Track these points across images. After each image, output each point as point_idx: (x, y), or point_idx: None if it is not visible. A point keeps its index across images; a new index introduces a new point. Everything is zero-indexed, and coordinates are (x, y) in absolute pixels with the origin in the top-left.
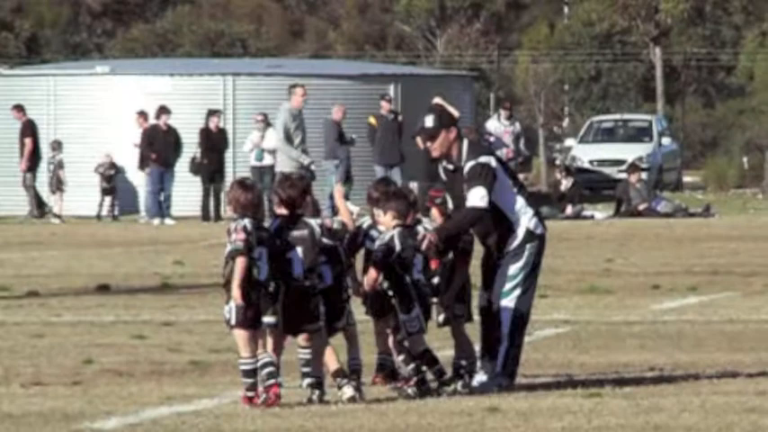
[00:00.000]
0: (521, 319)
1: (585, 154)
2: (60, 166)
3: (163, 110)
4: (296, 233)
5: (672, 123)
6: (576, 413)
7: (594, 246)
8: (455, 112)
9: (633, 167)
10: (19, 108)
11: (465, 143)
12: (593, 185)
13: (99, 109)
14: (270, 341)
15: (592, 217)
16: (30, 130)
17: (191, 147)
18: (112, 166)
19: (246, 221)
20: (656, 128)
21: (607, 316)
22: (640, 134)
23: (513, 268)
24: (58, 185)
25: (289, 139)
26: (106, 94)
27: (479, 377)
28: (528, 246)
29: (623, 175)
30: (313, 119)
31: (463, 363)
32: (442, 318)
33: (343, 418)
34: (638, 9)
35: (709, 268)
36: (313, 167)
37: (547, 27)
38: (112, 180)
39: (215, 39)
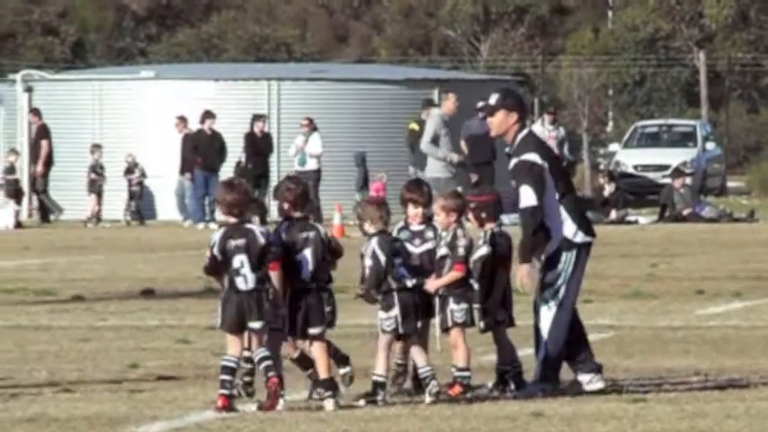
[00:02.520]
0: (561, 327)
1: (630, 159)
2: (93, 169)
3: (207, 114)
4: (303, 235)
5: (716, 128)
6: (620, 418)
7: (639, 251)
8: None
9: (677, 172)
10: (35, 112)
11: (521, 136)
12: (637, 190)
13: (144, 113)
14: (255, 343)
15: (636, 222)
16: (46, 134)
17: (235, 151)
18: (134, 167)
19: (217, 237)
20: (700, 133)
21: (651, 321)
22: (684, 139)
23: (550, 275)
24: (93, 187)
25: (435, 143)
26: (151, 98)
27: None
28: (564, 253)
29: (667, 180)
30: (357, 124)
31: (507, 368)
32: (483, 323)
33: (387, 423)
34: (683, 14)
35: (753, 273)
36: (460, 160)
37: (591, 32)
38: (140, 184)
39: (260, 43)
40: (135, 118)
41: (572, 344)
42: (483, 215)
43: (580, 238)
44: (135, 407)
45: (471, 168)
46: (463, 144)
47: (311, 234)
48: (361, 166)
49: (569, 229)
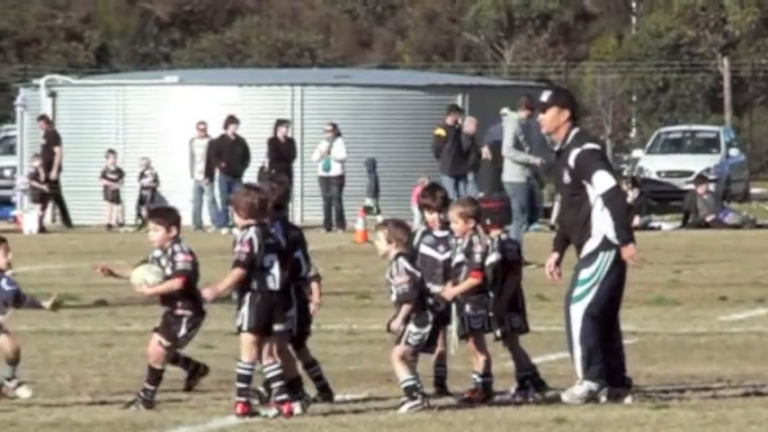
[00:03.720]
0: (592, 322)
1: (653, 165)
2: (104, 175)
3: (231, 120)
4: (293, 234)
5: (739, 134)
6: (643, 425)
7: (662, 257)
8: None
9: (701, 178)
10: (45, 119)
11: (575, 131)
12: (660, 196)
13: (167, 119)
14: (275, 348)
15: (659, 228)
16: (57, 140)
17: (259, 156)
18: (146, 170)
19: (253, 233)
20: (723, 139)
21: (674, 327)
22: (708, 145)
23: (585, 273)
24: (106, 194)
25: (517, 147)
26: (175, 103)
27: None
28: (602, 253)
29: (691, 187)
30: (380, 130)
31: (527, 373)
32: (500, 331)
33: (410, 429)
34: (707, 20)
35: None
36: (543, 162)
37: (615, 38)
38: (153, 189)
39: (283, 49)
40: (158, 123)
41: (607, 353)
42: (488, 221)
43: (618, 240)
44: (158, 412)
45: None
46: (486, 150)
47: (297, 234)
48: (372, 173)
49: (610, 229)
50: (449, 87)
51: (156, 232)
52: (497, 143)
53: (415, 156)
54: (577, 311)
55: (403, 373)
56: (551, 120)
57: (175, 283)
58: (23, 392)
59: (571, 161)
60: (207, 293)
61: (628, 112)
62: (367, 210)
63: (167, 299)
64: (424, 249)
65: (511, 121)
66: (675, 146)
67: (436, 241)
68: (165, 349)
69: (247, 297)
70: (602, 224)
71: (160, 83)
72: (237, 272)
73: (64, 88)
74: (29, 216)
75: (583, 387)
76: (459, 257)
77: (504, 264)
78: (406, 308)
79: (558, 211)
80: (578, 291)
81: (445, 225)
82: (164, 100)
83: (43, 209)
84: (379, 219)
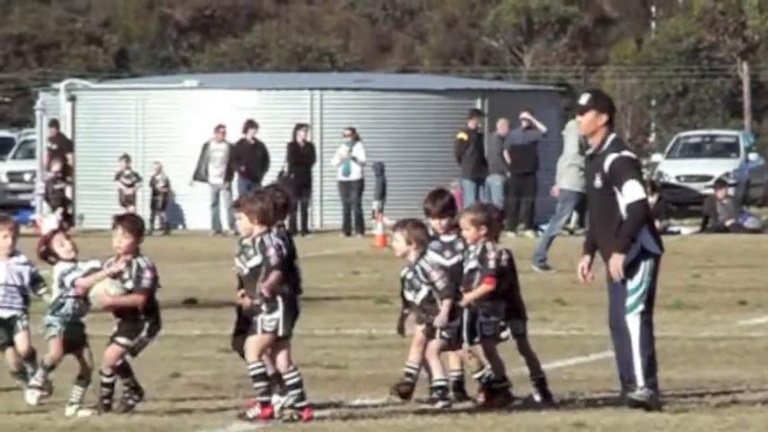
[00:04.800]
0: (648, 330)
1: (672, 169)
2: (117, 178)
3: (250, 124)
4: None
5: (759, 139)
6: (662, 429)
7: (681, 261)
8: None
9: (720, 183)
10: (55, 124)
11: (612, 137)
12: (679, 201)
13: (187, 123)
14: (288, 357)
15: (678, 232)
16: (69, 146)
17: (278, 161)
18: (157, 174)
19: (277, 237)
20: (742, 143)
21: (693, 332)
22: (727, 150)
23: (632, 283)
24: (122, 199)
25: (582, 153)
26: (194, 107)
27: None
28: (643, 262)
29: (710, 191)
30: (399, 134)
31: (541, 376)
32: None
33: None
34: (726, 25)
35: None
36: None
37: (634, 42)
38: (165, 194)
39: (303, 53)
40: (178, 127)
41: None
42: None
43: (655, 248)
44: (177, 416)
45: None
46: (506, 155)
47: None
48: (380, 176)
49: (646, 237)
50: (468, 92)
51: (125, 239)
52: (516, 147)
53: (434, 160)
54: (634, 321)
55: (438, 372)
56: (589, 123)
57: (138, 299)
58: (30, 398)
59: (606, 166)
60: (264, 289)
61: (647, 117)
62: (374, 213)
63: (125, 310)
64: (431, 255)
65: (574, 128)
66: (695, 150)
67: (442, 247)
68: (123, 348)
69: (281, 302)
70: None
71: (179, 87)
72: (277, 273)
73: (83, 92)
74: (48, 220)
75: (643, 392)
76: (472, 264)
77: (500, 272)
78: (448, 303)
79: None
80: (630, 300)
81: (456, 229)
82: (183, 104)
83: (64, 213)
84: (387, 220)
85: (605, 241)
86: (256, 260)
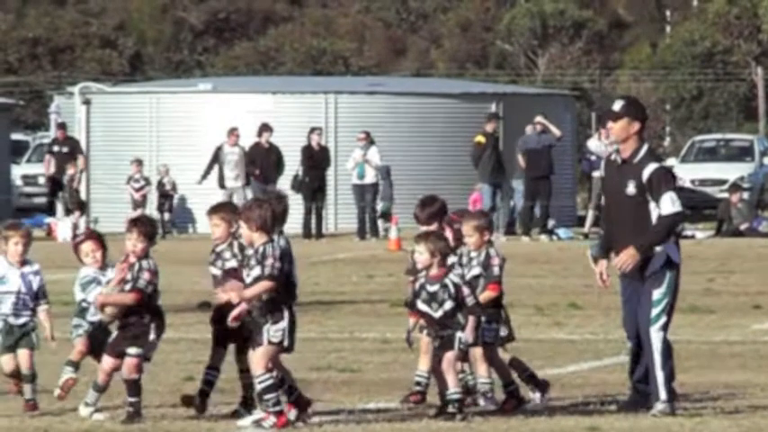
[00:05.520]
0: (668, 344)
1: (687, 173)
2: (128, 181)
3: (265, 127)
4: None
5: None
6: None
7: (695, 265)
8: (557, 132)
9: (735, 187)
10: (63, 127)
11: (646, 146)
12: (694, 205)
13: (201, 126)
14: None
15: (693, 236)
16: (80, 150)
17: (293, 164)
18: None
19: (278, 247)
20: (757, 147)
21: (708, 336)
22: (742, 154)
23: (657, 293)
24: (133, 202)
25: None
26: (208, 111)
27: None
28: (668, 273)
29: (725, 195)
30: (413, 138)
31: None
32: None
33: None
34: (741, 28)
35: None
36: None
37: (649, 46)
38: (171, 197)
39: (317, 57)
40: (192, 131)
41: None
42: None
43: (678, 258)
44: (191, 420)
45: None
46: (520, 158)
47: None
48: (387, 179)
49: (671, 247)
50: (483, 95)
51: (140, 244)
52: (530, 151)
53: (448, 163)
54: (657, 335)
55: (455, 385)
56: (621, 130)
57: (129, 297)
58: (83, 411)
59: (645, 175)
60: (234, 294)
61: (662, 121)
62: (383, 215)
63: (130, 311)
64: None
65: None
66: (709, 154)
67: None
68: (138, 358)
69: (286, 313)
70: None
71: (194, 90)
72: (268, 284)
73: (98, 96)
74: (63, 224)
75: (665, 407)
76: (475, 270)
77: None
78: (474, 319)
79: (591, 219)
80: (655, 312)
81: (457, 236)
82: (197, 108)
83: (81, 216)
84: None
85: (624, 243)
86: (257, 271)
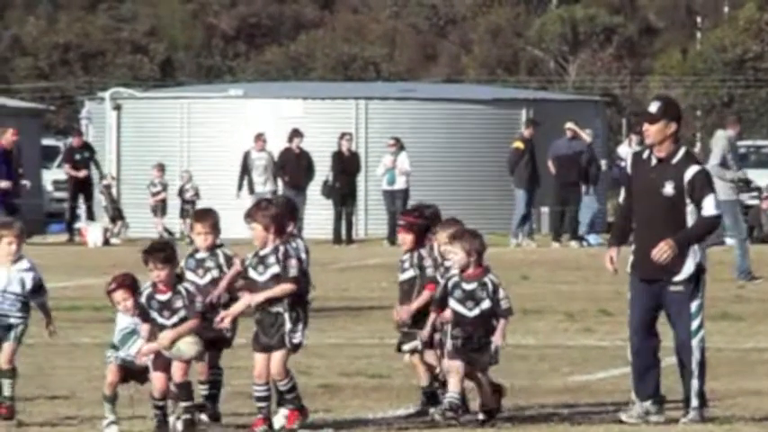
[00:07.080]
0: (705, 354)
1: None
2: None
3: (295, 133)
4: None
5: None
6: None
7: (726, 272)
8: (587, 137)
9: (765, 193)
10: (79, 132)
11: (684, 149)
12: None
13: (232, 132)
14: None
15: (723, 243)
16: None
17: (323, 170)
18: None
19: (295, 247)
20: None
21: (738, 342)
22: None
23: (695, 306)
24: (157, 208)
25: (724, 165)
26: (239, 116)
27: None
28: (701, 281)
29: (755, 202)
30: (444, 144)
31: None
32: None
33: None
34: None
35: None
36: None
37: (679, 52)
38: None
39: (348, 62)
40: (223, 136)
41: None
42: (413, 236)
43: (705, 264)
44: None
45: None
46: (550, 164)
47: None
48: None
49: (699, 253)
50: (513, 101)
51: (162, 271)
52: (561, 157)
53: (479, 170)
54: (698, 346)
55: (456, 389)
56: (657, 132)
57: (193, 324)
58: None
59: (687, 177)
60: (256, 298)
61: (692, 127)
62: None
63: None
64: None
65: (720, 138)
66: (740, 161)
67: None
68: (184, 362)
69: (302, 313)
70: (695, 247)
71: (224, 96)
72: (290, 287)
73: (129, 101)
74: (93, 229)
75: (696, 414)
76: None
77: (421, 280)
78: (505, 322)
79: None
80: (695, 324)
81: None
82: (228, 113)
83: (113, 221)
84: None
85: (652, 240)
86: (275, 269)
